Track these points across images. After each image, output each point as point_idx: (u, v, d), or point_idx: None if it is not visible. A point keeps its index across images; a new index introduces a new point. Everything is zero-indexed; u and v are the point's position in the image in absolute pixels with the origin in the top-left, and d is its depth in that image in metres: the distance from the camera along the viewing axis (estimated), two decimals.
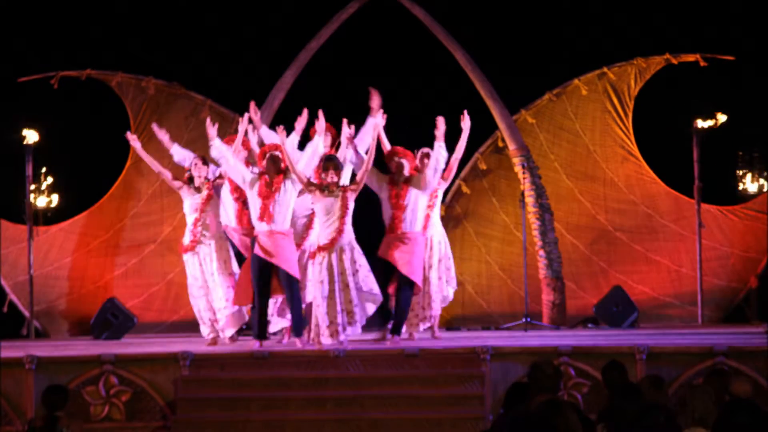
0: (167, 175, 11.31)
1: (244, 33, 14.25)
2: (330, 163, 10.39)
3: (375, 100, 10.90)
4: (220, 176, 11.19)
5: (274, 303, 10.84)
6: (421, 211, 10.81)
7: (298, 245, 10.81)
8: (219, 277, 11.07)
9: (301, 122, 10.90)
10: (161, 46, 14.25)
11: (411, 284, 10.64)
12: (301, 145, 10.91)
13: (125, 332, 12.87)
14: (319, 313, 10.30)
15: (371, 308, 10.44)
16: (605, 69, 14.18)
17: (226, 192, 11.12)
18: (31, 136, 13.30)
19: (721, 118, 12.71)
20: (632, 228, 14.07)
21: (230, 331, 11.11)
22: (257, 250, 10.50)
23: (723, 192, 14.27)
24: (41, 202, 14.36)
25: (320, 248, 10.36)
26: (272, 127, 13.81)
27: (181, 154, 11.36)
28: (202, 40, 14.21)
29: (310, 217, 10.97)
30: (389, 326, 10.77)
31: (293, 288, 10.52)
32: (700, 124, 13.34)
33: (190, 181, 11.20)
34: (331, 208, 10.35)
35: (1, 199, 14.02)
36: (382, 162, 10.88)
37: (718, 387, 7.04)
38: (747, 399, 6.67)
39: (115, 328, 12.81)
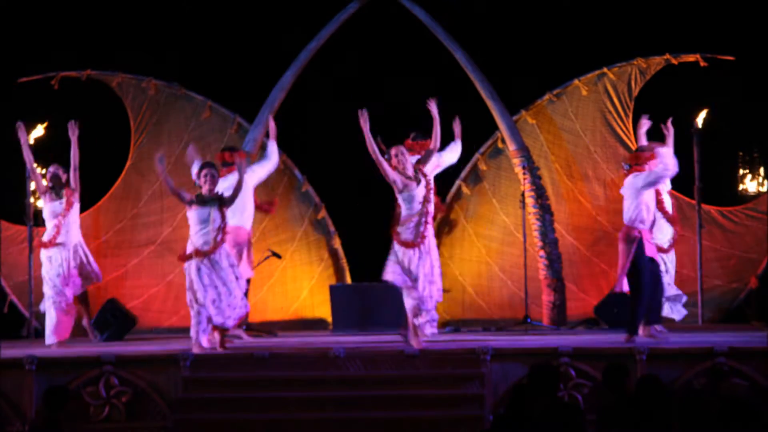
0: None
1: (244, 33, 14.23)
2: None
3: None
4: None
5: None
6: None
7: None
8: None
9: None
10: (161, 47, 14.24)
11: None
12: None
13: (125, 333, 12.86)
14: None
15: None
16: (605, 69, 14.15)
17: None
18: (35, 132, 13.24)
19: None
20: None
21: None
22: None
23: (723, 192, 14.24)
24: (42, 202, 14.31)
25: None
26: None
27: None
28: (202, 40, 14.19)
29: None
30: None
31: None
32: (699, 123, 13.33)
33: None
34: None
35: (1, 200, 14.00)
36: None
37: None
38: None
39: (116, 329, 12.80)
